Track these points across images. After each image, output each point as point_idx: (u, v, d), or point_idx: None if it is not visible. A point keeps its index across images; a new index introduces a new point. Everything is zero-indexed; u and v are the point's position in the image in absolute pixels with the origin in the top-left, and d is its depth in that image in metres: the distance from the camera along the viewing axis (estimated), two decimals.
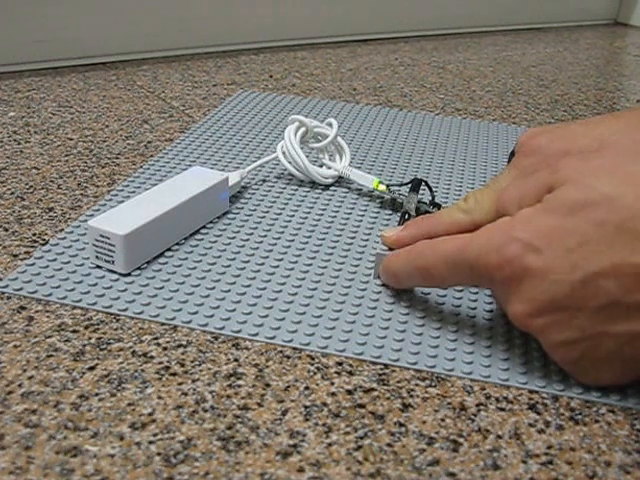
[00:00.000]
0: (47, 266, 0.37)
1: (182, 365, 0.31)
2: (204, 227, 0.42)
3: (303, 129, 0.47)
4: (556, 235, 0.29)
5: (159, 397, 0.29)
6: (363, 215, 0.45)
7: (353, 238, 0.42)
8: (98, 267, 0.37)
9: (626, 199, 0.28)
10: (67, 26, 0.71)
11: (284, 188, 0.48)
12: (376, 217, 0.45)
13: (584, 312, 0.28)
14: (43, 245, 0.40)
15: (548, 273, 0.29)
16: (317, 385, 0.31)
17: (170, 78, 0.72)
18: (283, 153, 0.47)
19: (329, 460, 0.27)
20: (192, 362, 0.32)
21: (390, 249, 0.37)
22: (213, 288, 0.36)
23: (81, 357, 0.31)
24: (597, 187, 0.28)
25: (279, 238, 0.42)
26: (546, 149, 0.34)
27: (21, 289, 0.35)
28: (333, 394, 0.30)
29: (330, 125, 0.49)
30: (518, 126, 0.64)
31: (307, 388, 0.30)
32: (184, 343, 0.33)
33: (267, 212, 0.45)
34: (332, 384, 0.31)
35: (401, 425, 0.29)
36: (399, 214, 0.45)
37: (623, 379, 0.31)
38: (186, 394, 0.30)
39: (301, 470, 0.26)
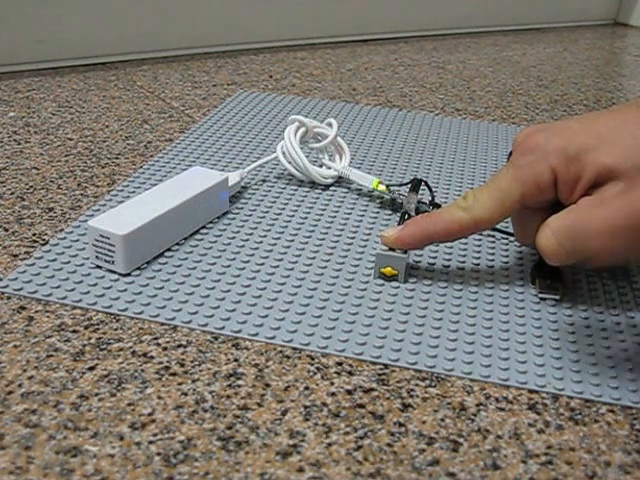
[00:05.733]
0: (47, 266, 0.37)
1: (182, 365, 0.31)
2: (204, 227, 0.42)
3: (303, 129, 0.47)
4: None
5: (159, 397, 0.29)
6: (363, 215, 0.45)
7: (353, 238, 0.42)
8: (98, 267, 0.37)
9: None
10: (67, 26, 0.71)
11: (284, 188, 0.48)
12: (376, 217, 0.45)
13: None
14: (43, 245, 0.40)
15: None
16: (317, 385, 0.31)
17: (170, 78, 0.72)
18: (283, 153, 0.47)
19: (329, 460, 0.27)
20: (192, 362, 0.32)
21: (390, 249, 0.38)
22: (213, 288, 0.36)
23: (81, 357, 0.31)
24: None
25: (279, 238, 0.42)
26: (544, 147, 0.34)
27: (21, 289, 0.35)
28: (333, 394, 0.30)
29: (330, 125, 0.49)
30: (518, 126, 0.64)
31: (307, 388, 0.30)
32: (184, 343, 0.33)
33: (267, 212, 0.45)
34: (332, 384, 0.31)
35: (401, 425, 0.29)
36: (399, 214, 0.45)
37: None
38: (186, 394, 0.30)
39: (301, 470, 0.26)
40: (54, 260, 0.38)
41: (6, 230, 0.41)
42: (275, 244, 0.41)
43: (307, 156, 0.49)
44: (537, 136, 0.35)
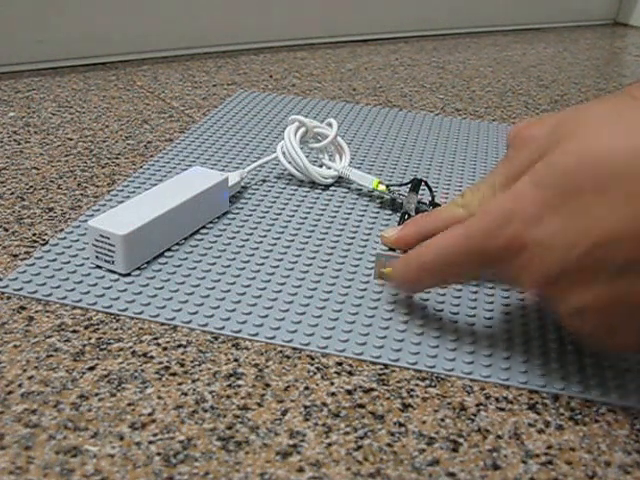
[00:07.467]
0: (47, 266, 0.37)
1: (182, 365, 0.31)
2: (204, 227, 0.42)
3: (303, 129, 0.47)
4: (558, 202, 0.28)
5: (159, 397, 0.29)
6: (363, 215, 0.45)
7: (353, 238, 0.42)
8: (98, 267, 0.37)
9: (626, 158, 0.27)
10: (67, 26, 0.71)
11: (284, 188, 0.48)
12: (376, 217, 0.45)
13: (602, 274, 0.28)
14: (43, 245, 0.40)
15: (557, 240, 0.28)
16: (317, 385, 0.31)
17: (170, 78, 0.72)
18: (283, 153, 0.47)
19: (329, 460, 0.27)
20: (192, 362, 0.32)
21: (390, 249, 0.37)
22: (213, 288, 0.36)
23: (81, 357, 0.31)
24: (590, 146, 0.28)
25: (279, 238, 0.42)
26: (538, 139, 0.34)
27: (21, 289, 0.35)
28: (333, 394, 0.30)
29: (330, 125, 0.49)
30: None
31: (307, 388, 0.30)
32: (184, 343, 0.33)
33: (267, 212, 0.45)
34: (332, 384, 0.31)
35: (401, 425, 0.29)
36: (399, 214, 0.45)
37: None
38: (186, 394, 0.30)
39: (301, 470, 0.26)
40: (54, 260, 0.38)
41: (6, 230, 0.41)
42: (275, 244, 0.41)
43: (307, 156, 0.49)
44: (531, 129, 0.34)
